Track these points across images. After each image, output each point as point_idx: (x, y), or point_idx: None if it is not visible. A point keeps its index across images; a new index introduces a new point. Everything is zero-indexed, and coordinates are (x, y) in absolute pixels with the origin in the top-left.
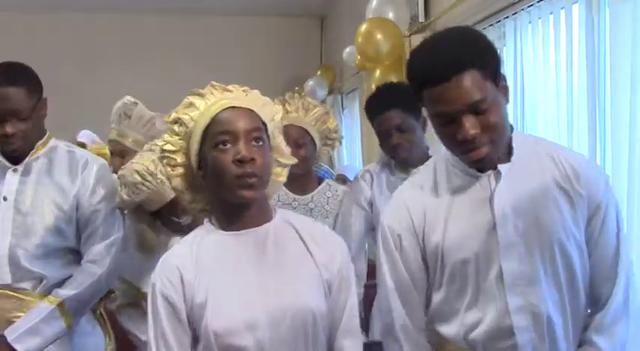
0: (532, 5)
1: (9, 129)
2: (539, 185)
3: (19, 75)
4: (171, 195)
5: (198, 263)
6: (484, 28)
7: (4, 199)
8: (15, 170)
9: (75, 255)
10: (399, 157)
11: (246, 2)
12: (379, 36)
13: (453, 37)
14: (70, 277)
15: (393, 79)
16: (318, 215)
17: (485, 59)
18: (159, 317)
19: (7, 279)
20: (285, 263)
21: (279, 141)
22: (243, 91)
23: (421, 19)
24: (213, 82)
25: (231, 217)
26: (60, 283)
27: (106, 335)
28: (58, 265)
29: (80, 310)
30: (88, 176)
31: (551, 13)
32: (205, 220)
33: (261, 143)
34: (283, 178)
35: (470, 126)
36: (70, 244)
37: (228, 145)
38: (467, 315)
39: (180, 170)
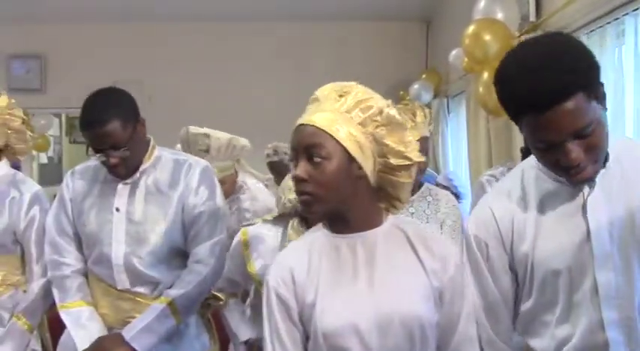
0: None
1: (112, 160)
2: (637, 192)
3: (112, 109)
4: None
5: (310, 264)
6: (600, 26)
7: (117, 210)
8: (125, 183)
9: (186, 257)
10: None
11: (351, 8)
12: (487, 37)
13: (551, 56)
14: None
15: None
16: (418, 220)
17: (589, 79)
18: (273, 315)
19: (126, 284)
20: (393, 269)
21: (391, 139)
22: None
23: (532, 18)
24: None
25: (334, 222)
26: (171, 285)
27: (212, 339)
28: (170, 268)
29: (189, 308)
30: (191, 179)
31: None
32: (321, 223)
33: (318, 160)
34: (405, 179)
35: (575, 153)
36: (180, 247)
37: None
38: (558, 329)
39: None
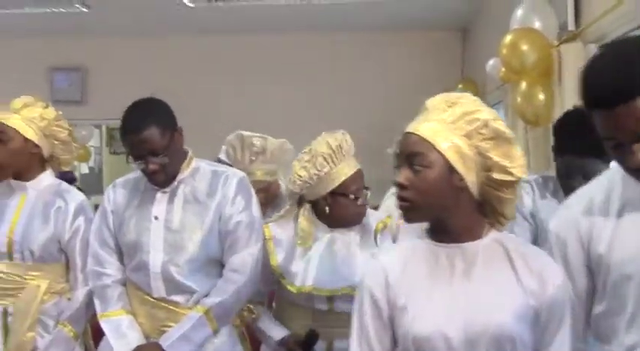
0: None
1: (151, 166)
2: None
3: (149, 115)
4: (340, 180)
5: (406, 267)
6: None
7: (156, 218)
8: (164, 192)
9: (222, 267)
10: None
11: (387, 18)
12: (525, 47)
13: (625, 55)
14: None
15: (540, 91)
16: None
17: None
18: (363, 313)
19: (162, 292)
20: (489, 284)
21: (495, 153)
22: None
23: (571, 27)
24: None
25: (435, 230)
26: (208, 294)
27: None
28: (207, 278)
29: (224, 316)
30: (228, 189)
31: None
32: (424, 229)
33: (419, 168)
34: (509, 195)
35: None
36: (217, 256)
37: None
38: (626, 336)
39: None
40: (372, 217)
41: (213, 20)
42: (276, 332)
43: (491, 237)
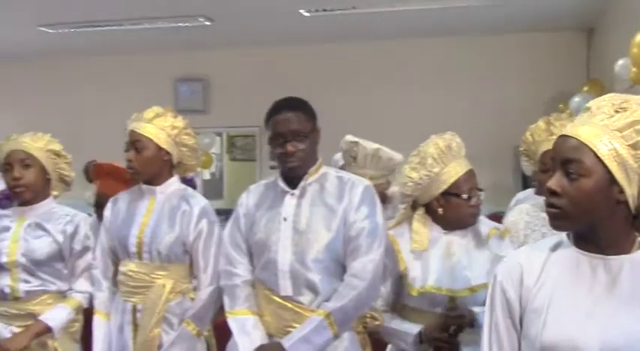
0: None
1: (290, 147)
2: None
3: (297, 103)
4: (452, 180)
5: (544, 269)
6: None
7: (284, 219)
8: (292, 194)
9: (345, 271)
10: None
11: (509, 20)
12: None
13: None
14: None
15: None
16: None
17: None
18: (495, 310)
19: (289, 291)
20: (632, 302)
21: None
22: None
23: None
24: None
25: (580, 237)
26: (329, 298)
27: None
28: (331, 279)
29: (345, 321)
30: (354, 196)
31: None
32: (565, 233)
33: (575, 176)
34: None
35: None
36: (341, 259)
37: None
38: None
39: None
40: (483, 225)
41: (329, 29)
42: (411, 327)
43: None
